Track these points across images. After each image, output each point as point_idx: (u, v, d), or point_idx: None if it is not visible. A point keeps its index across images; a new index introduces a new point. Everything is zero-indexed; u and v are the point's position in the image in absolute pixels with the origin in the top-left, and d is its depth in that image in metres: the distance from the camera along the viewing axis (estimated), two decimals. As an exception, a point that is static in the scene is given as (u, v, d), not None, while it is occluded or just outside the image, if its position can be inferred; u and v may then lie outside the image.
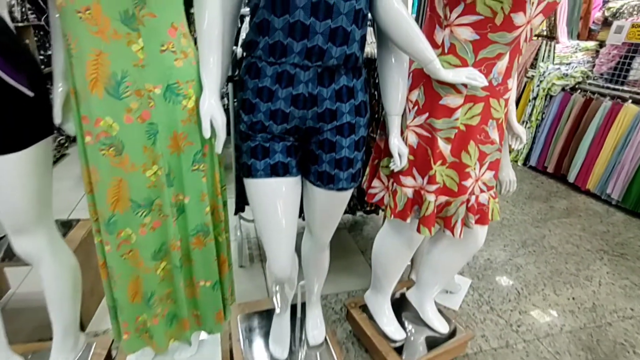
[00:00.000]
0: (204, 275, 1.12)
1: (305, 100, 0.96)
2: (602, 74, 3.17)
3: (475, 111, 1.06)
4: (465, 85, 1.02)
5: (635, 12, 3.09)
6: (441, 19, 1.02)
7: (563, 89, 3.30)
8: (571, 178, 3.15)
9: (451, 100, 1.04)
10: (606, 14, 3.32)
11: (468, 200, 1.17)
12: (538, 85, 3.44)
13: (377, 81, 1.90)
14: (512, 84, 1.12)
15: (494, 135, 1.13)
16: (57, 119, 1.00)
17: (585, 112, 3.09)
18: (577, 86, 3.24)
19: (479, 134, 1.10)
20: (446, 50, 1.03)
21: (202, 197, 1.02)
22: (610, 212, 2.83)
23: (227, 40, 1.01)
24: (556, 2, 1.00)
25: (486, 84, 0.99)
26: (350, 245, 2.29)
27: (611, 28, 3.02)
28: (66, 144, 3.46)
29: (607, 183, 2.90)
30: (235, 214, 2.02)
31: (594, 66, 3.37)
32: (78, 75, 0.87)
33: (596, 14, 3.56)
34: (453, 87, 1.03)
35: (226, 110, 2.93)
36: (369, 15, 0.99)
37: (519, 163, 3.65)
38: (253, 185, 1.04)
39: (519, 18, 0.95)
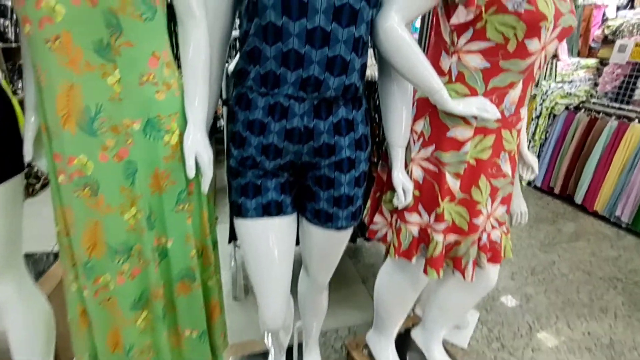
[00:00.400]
0: (190, 324, 1.01)
1: (300, 134, 0.88)
2: (606, 93, 3.11)
3: (486, 144, 0.98)
4: (475, 117, 0.94)
5: (635, 31, 3.05)
6: (447, 45, 0.94)
7: (567, 108, 3.23)
8: (578, 199, 3.06)
9: (460, 132, 0.96)
10: (606, 32, 3.29)
11: (479, 239, 1.08)
12: (541, 104, 3.38)
13: (377, 103, 1.83)
14: (524, 112, 1.04)
15: (506, 168, 1.04)
16: (28, 155, 0.91)
17: (590, 132, 3.02)
18: (581, 105, 3.18)
19: (490, 168, 1.01)
20: (453, 79, 0.95)
21: (187, 239, 0.93)
22: (620, 236, 2.73)
23: (215, 68, 0.93)
24: (572, 27, 0.92)
25: (499, 116, 0.91)
26: (351, 273, 2.18)
27: (614, 47, 2.97)
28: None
29: (615, 205, 2.80)
30: (230, 242, 1.92)
31: (595, 84, 3.32)
32: (49, 110, 0.79)
33: (596, 32, 3.53)
34: (462, 118, 0.95)
35: (221, 131, 2.84)
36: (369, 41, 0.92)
37: (524, 183, 3.56)
38: (243, 226, 0.95)
39: (533, 44, 0.87)
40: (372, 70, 1.75)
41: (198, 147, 0.84)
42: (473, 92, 0.94)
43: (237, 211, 0.94)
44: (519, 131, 1.04)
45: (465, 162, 0.98)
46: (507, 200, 1.11)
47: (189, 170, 0.83)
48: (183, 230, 0.91)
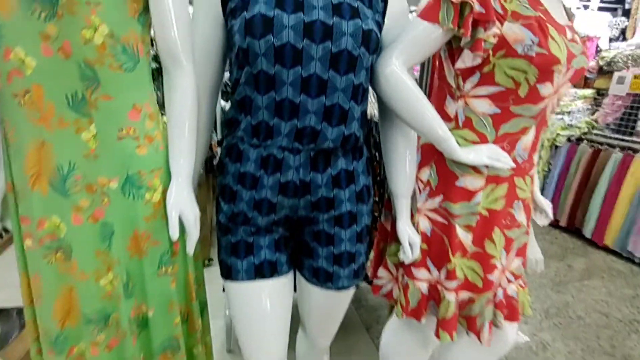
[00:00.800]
0: (173, 400, 0.90)
1: (295, 188, 0.80)
2: (608, 125, 3.08)
3: (498, 193, 0.90)
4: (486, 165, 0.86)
5: (630, 62, 3.05)
6: (453, 89, 0.88)
7: (569, 140, 3.19)
8: (587, 233, 2.95)
9: (470, 181, 0.88)
10: (600, 62, 3.30)
11: (495, 295, 0.98)
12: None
13: (377, 140, 1.77)
14: (537, 158, 0.97)
15: (521, 217, 0.96)
16: None
17: (594, 164, 2.96)
18: (582, 136, 3.14)
19: (504, 219, 0.92)
20: (460, 124, 0.88)
21: (170, 306, 0.83)
22: (634, 272, 2.60)
23: (204, 116, 0.86)
24: (584, 68, 0.87)
25: (513, 165, 0.84)
26: (353, 320, 2.04)
27: (613, 79, 2.96)
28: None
29: (627, 239, 2.70)
30: (224, 290, 1.80)
31: (593, 113, 3.30)
32: (16, 170, 0.71)
33: (590, 63, 3.55)
34: (471, 167, 0.87)
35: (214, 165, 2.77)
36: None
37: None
38: (233, 290, 0.86)
39: (545, 89, 0.81)
40: (371, 108, 1.70)
41: (182, 205, 0.76)
42: (482, 139, 0.87)
43: (227, 273, 0.85)
44: (532, 177, 0.97)
45: (477, 213, 0.90)
46: (522, 252, 1.02)
47: (172, 231, 0.75)
48: (166, 296, 0.82)
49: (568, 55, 0.80)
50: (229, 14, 0.76)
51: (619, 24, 3.88)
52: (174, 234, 0.74)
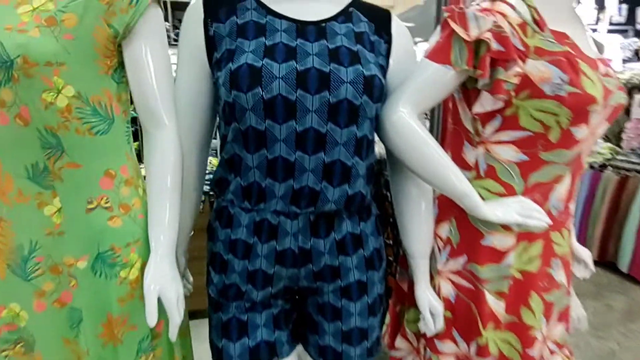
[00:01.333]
0: None
1: (294, 256, 0.69)
2: (633, 150, 2.92)
3: (533, 252, 0.77)
4: (517, 222, 0.74)
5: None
6: (471, 135, 0.78)
7: (591, 167, 3.02)
8: (623, 267, 2.72)
9: (498, 240, 0.76)
10: (616, 84, 3.20)
11: (536, 370, 0.82)
12: (562, 163, 3.18)
13: (387, 178, 1.66)
14: (573, 207, 0.84)
15: (560, 277, 0.82)
16: None
17: (622, 191, 2.77)
18: (606, 163, 2.97)
19: (540, 281, 0.79)
20: (482, 173, 0.77)
21: (152, 401, 0.71)
22: (683, 311, 2.36)
23: (193, 175, 0.76)
24: (622, 105, 0.76)
25: (549, 222, 0.71)
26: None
27: (634, 102, 2.84)
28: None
29: (669, 274, 2.47)
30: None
31: (614, 137, 3.15)
32: (-30, 250, 0.63)
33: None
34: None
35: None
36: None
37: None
38: (226, 379, 0.73)
39: (580, 132, 0.70)
40: (379, 147, 1.61)
41: (163, 283, 0.65)
42: (509, 190, 0.75)
43: (217, 358, 0.73)
44: (569, 230, 0.84)
45: (510, 277, 0.76)
46: (565, 316, 0.87)
47: (148, 316, 0.63)
48: (146, 389, 0.70)
49: (604, 92, 0.69)
50: (214, 65, 0.68)
51: (631, 45, 3.80)
52: (151, 320, 0.63)
